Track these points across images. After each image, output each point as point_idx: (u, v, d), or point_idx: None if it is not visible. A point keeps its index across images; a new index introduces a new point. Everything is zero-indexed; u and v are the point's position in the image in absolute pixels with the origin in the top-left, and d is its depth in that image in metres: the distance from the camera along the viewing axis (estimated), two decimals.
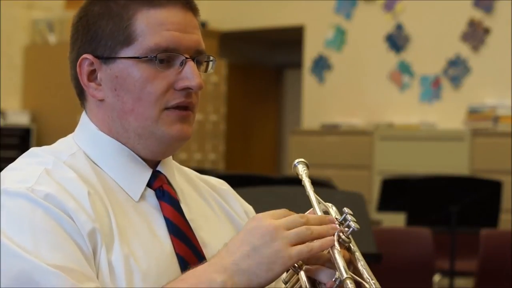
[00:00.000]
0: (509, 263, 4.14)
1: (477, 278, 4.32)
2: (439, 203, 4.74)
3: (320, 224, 1.30)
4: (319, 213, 1.38)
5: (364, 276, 1.30)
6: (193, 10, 1.45)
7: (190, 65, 1.41)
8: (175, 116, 1.41)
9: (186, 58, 1.41)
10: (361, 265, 1.33)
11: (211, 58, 1.49)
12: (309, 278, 1.33)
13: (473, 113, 6.54)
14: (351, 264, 1.32)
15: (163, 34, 1.39)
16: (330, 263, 1.31)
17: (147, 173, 1.44)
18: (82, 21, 1.44)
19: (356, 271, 1.31)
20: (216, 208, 1.55)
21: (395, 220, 5.54)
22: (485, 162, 6.21)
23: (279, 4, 7.62)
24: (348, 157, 6.87)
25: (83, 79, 1.43)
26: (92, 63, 1.42)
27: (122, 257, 1.32)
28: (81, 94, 1.47)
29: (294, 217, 1.29)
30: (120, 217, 1.36)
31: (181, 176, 1.54)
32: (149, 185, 1.44)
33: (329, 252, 1.31)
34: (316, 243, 1.27)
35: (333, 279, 1.29)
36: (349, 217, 1.35)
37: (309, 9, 7.46)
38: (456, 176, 5.30)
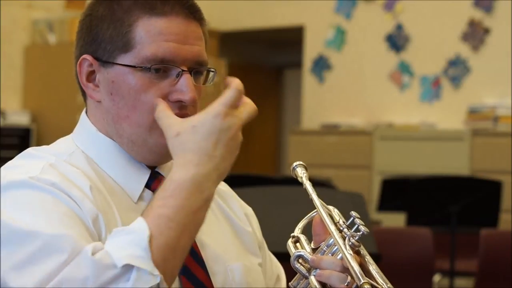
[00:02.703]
0: (509, 263, 4.14)
1: (477, 278, 4.32)
2: (439, 203, 4.74)
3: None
4: (325, 216, 1.38)
5: (379, 281, 1.30)
6: (198, 20, 1.43)
7: (186, 78, 1.39)
8: None
9: (183, 70, 1.39)
10: (373, 269, 1.33)
11: (212, 69, 1.46)
12: (320, 282, 1.33)
13: (473, 113, 6.54)
14: (362, 268, 1.31)
15: (161, 45, 1.37)
16: (342, 268, 1.32)
17: (146, 174, 1.44)
18: (86, 20, 1.43)
19: (368, 275, 1.31)
20: (215, 210, 1.54)
21: (395, 220, 5.54)
22: (485, 162, 6.21)
23: (279, 4, 7.62)
24: (348, 157, 6.86)
25: (82, 79, 1.43)
26: (91, 64, 1.42)
27: None
28: (83, 91, 1.47)
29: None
30: (122, 213, 1.37)
31: None
32: (147, 186, 1.44)
33: (341, 257, 1.32)
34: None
35: (345, 284, 1.30)
36: (357, 221, 1.35)
37: (309, 9, 7.46)
38: (456, 176, 5.30)
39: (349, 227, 1.35)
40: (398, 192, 4.98)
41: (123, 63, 1.38)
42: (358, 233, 1.33)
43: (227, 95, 1.30)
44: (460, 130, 6.51)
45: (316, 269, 1.34)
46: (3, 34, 6.45)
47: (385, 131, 6.82)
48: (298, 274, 1.37)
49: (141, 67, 1.37)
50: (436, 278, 4.92)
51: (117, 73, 1.39)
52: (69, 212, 1.27)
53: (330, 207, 1.41)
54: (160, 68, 1.38)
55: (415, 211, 4.90)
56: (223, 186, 1.61)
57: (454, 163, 6.32)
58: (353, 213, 1.36)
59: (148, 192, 1.43)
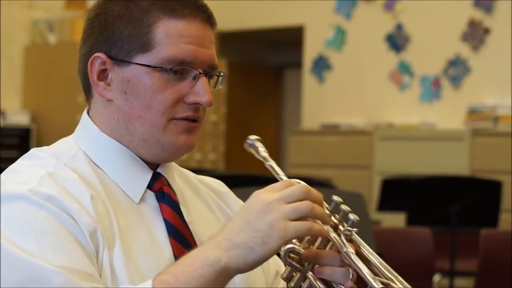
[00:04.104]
0: (509, 263, 4.14)
1: (477, 278, 4.32)
2: (439, 203, 4.74)
3: (321, 205, 1.27)
4: (284, 178, 1.37)
5: (385, 272, 1.28)
6: (212, 24, 1.46)
7: (203, 81, 1.41)
8: (183, 126, 1.41)
9: (200, 73, 1.40)
10: (368, 253, 1.30)
11: (222, 73, 1.48)
12: (322, 280, 1.31)
13: (473, 113, 6.54)
14: (358, 255, 1.29)
15: (181, 47, 1.38)
16: (342, 261, 1.29)
17: (148, 175, 1.44)
18: (100, 18, 1.42)
19: (365, 260, 1.29)
20: (216, 211, 1.55)
21: (395, 220, 5.54)
22: (485, 162, 6.21)
23: (279, 4, 7.62)
24: (348, 157, 6.86)
25: (93, 77, 1.42)
26: (104, 63, 1.41)
27: (123, 260, 1.32)
28: (87, 90, 1.46)
29: (293, 189, 1.26)
30: (121, 219, 1.36)
31: (180, 179, 1.54)
32: (149, 187, 1.44)
33: (345, 257, 1.29)
34: (317, 226, 1.24)
35: (350, 278, 1.27)
36: (343, 207, 1.32)
37: (309, 9, 7.46)
38: (456, 176, 5.30)
39: (333, 212, 1.32)
40: (398, 192, 4.97)
41: (141, 63, 1.39)
42: (348, 222, 1.30)
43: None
44: (460, 130, 6.51)
45: (310, 263, 1.32)
46: (3, 34, 6.45)
47: (385, 131, 6.82)
48: (289, 267, 1.34)
49: (161, 67, 1.38)
50: (436, 278, 4.92)
51: (134, 73, 1.39)
52: (62, 232, 1.27)
53: (297, 180, 1.37)
54: (178, 69, 1.39)
55: (415, 211, 4.90)
56: (223, 188, 1.61)
57: (454, 163, 6.32)
58: (335, 197, 1.33)
59: (149, 193, 1.43)
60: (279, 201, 1.24)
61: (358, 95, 7.20)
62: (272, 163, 1.43)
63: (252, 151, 1.47)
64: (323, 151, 6.95)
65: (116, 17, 1.40)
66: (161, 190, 1.44)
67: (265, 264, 1.59)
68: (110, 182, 1.41)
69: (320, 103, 7.39)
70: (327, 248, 1.32)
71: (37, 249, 1.23)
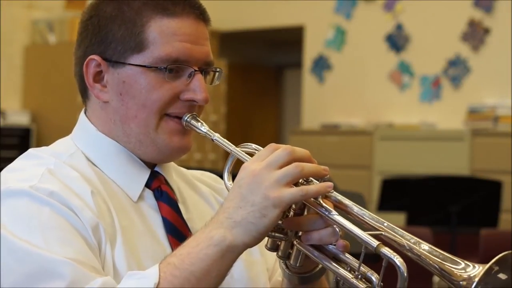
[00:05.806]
0: None
1: None
2: (439, 203, 4.73)
3: (309, 161, 1.26)
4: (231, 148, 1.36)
5: (372, 222, 1.25)
6: (205, 21, 1.45)
7: (198, 78, 1.41)
8: (178, 127, 1.41)
9: (195, 70, 1.40)
10: (347, 204, 1.28)
11: (218, 69, 1.48)
12: (313, 246, 1.29)
13: (473, 113, 6.53)
14: (340, 208, 1.28)
15: (175, 45, 1.39)
16: (325, 222, 1.27)
17: (146, 174, 1.44)
18: (93, 20, 1.42)
19: (348, 212, 1.28)
20: (215, 206, 1.56)
21: (395, 220, 5.54)
22: (485, 162, 6.21)
23: (279, 4, 7.62)
24: (348, 157, 6.86)
25: (89, 80, 1.43)
26: (99, 65, 1.41)
27: (124, 256, 1.32)
28: (84, 92, 1.47)
29: (278, 153, 1.25)
30: (122, 216, 1.37)
31: (178, 177, 1.54)
32: (147, 185, 1.44)
33: (330, 220, 1.26)
34: (312, 188, 1.23)
35: (339, 235, 1.25)
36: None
37: (309, 9, 7.46)
38: (456, 176, 5.30)
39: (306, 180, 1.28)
40: (398, 192, 4.97)
41: (136, 63, 1.39)
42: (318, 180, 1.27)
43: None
44: (460, 130, 6.50)
45: (292, 230, 1.30)
46: (3, 34, 6.44)
47: (385, 131, 6.81)
48: (271, 238, 1.32)
49: (156, 67, 1.38)
50: (436, 278, 4.91)
51: (129, 74, 1.40)
52: (66, 226, 1.27)
53: (251, 145, 1.38)
54: (173, 68, 1.39)
55: (415, 211, 4.90)
56: (220, 183, 1.62)
57: (454, 163, 6.31)
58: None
59: (148, 192, 1.44)
60: (267, 169, 1.23)
61: (358, 95, 7.20)
62: (217, 136, 1.41)
63: (193, 128, 1.42)
64: (323, 151, 6.94)
65: (108, 18, 1.40)
66: (159, 188, 1.45)
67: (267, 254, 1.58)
68: (109, 181, 1.41)
69: (320, 103, 7.39)
70: (305, 213, 1.30)
71: (44, 242, 1.23)
